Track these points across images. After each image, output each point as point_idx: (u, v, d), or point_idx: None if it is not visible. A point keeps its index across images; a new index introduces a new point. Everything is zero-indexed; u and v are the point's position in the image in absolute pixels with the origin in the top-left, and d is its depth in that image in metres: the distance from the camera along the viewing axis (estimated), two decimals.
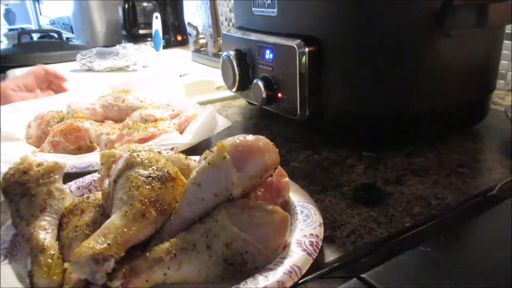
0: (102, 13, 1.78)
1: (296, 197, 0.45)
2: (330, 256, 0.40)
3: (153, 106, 0.75)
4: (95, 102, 0.76)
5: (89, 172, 0.55)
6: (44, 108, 0.76)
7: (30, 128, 0.71)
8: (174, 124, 0.68)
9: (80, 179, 0.52)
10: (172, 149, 0.58)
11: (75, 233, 0.40)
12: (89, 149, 0.65)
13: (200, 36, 1.46)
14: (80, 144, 0.65)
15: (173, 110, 0.74)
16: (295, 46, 0.59)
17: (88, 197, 0.44)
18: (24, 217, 0.41)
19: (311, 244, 0.38)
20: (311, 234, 0.39)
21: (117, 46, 1.36)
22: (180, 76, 1.21)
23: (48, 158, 0.47)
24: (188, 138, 0.63)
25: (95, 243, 0.33)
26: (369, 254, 0.40)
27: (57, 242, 0.40)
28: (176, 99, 0.81)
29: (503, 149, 0.62)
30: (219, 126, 0.69)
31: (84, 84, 1.08)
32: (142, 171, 0.40)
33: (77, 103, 0.73)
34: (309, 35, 0.60)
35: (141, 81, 0.89)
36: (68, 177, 0.51)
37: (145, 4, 1.68)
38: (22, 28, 3.12)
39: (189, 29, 1.79)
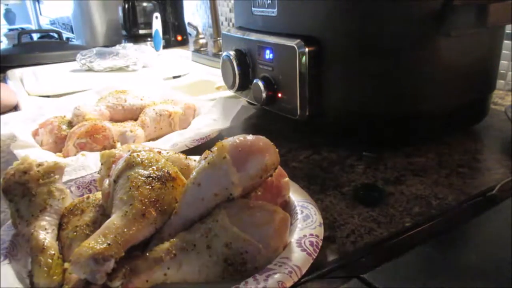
0: (102, 13, 1.78)
1: (296, 197, 0.45)
2: (330, 256, 0.40)
3: (154, 102, 0.76)
4: (99, 104, 0.76)
5: None
6: (45, 115, 0.76)
7: (38, 136, 0.70)
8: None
9: (80, 179, 0.52)
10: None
11: (75, 233, 0.40)
12: (111, 148, 0.65)
13: (200, 36, 1.46)
14: (105, 144, 0.65)
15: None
16: (295, 46, 0.59)
17: (88, 197, 0.44)
18: (24, 217, 0.41)
19: (311, 244, 0.38)
20: (311, 234, 0.39)
21: (117, 46, 1.36)
22: (180, 76, 1.21)
23: (48, 158, 0.47)
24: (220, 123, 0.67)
25: (95, 243, 0.33)
26: (369, 254, 0.40)
27: (57, 242, 0.40)
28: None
29: (503, 149, 0.62)
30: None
31: (84, 84, 1.08)
32: (142, 171, 0.40)
33: (83, 105, 0.73)
34: (309, 35, 0.60)
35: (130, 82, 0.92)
36: None
37: (145, 4, 1.67)
38: (22, 28, 3.11)
39: (189, 29, 1.79)
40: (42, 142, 0.69)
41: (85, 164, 0.58)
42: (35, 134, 0.71)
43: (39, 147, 0.67)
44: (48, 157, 0.60)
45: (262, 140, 0.40)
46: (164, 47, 1.61)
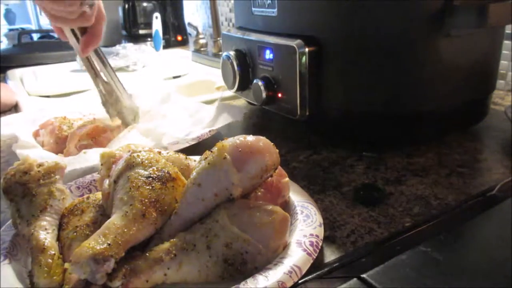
0: None
1: (296, 197, 0.45)
2: (330, 256, 0.40)
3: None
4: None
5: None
6: (46, 116, 0.76)
7: (39, 136, 0.70)
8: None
9: (80, 179, 0.52)
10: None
11: (75, 233, 0.40)
12: None
13: (200, 36, 1.46)
14: (107, 145, 0.65)
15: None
16: (295, 46, 0.59)
17: (88, 197, 0.44)
18: (24, 217, 0.41)
19: (311, 244, 0.38)
20: (311, 234, 0.39)
21: (117, 46, 1.36)
22: (180, 76, 1.21)
23: (49, 158, 0.47)
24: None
25: (95, 243, 0.33)
26: (369, 254, 0.40)
27: (57, 242, 0.40)
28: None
29: (503, 149, 0.62)
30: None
31: (84, 84, 1.08)
32: (142, 172, 0.40)
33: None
34: (309, 35, 0.60)
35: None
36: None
37: (145, 4, 1.68)
38: (22, 28, 3.12)
39: (189, 29, 1.79)
40: (43, 143, 0.69)
41: (80, 158, 0.58)
42: (36, 135, 0.71)
43: (40, 148, 0.67)
44: (49, 158, 0.60)
45: (262, 140, 0.40)
46: (164, 47, 1.61)
